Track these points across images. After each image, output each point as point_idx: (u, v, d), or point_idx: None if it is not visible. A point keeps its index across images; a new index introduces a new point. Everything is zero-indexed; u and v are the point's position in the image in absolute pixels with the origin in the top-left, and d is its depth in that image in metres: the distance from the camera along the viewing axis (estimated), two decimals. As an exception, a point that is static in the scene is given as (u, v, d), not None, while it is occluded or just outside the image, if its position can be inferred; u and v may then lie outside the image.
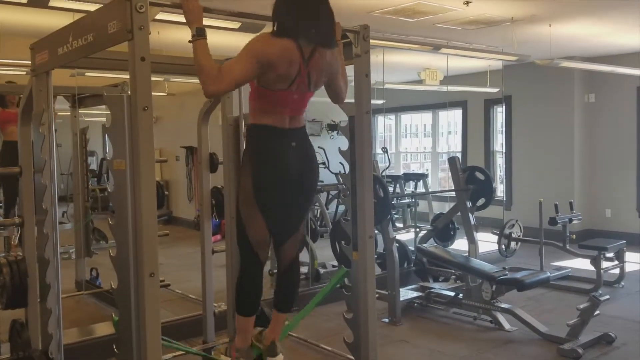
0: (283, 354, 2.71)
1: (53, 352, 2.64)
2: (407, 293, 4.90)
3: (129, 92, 1.95)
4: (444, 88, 7.80)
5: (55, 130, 5.95)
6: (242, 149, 3.49)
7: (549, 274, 4.68)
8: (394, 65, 7.47)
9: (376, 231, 4.80)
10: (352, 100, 2.71)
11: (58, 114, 6.17)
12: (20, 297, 2.75)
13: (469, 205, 5.57)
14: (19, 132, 2.90)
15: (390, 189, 8.13)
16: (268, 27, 4.48)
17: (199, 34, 2.20)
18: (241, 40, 5.82)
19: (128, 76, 1.94)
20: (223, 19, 3.86)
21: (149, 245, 1.94)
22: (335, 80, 2.58)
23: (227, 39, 5.19)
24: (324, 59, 2.44)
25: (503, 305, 4.37)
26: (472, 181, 5.59)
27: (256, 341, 2.78)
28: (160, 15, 3.90)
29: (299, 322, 3.31)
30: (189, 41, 2.22)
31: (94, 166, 6.80)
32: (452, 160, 5.74)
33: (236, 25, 4.07)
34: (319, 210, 7.08)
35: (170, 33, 5.22)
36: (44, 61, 2.57)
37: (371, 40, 2.72)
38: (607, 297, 4.02)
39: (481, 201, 5.61)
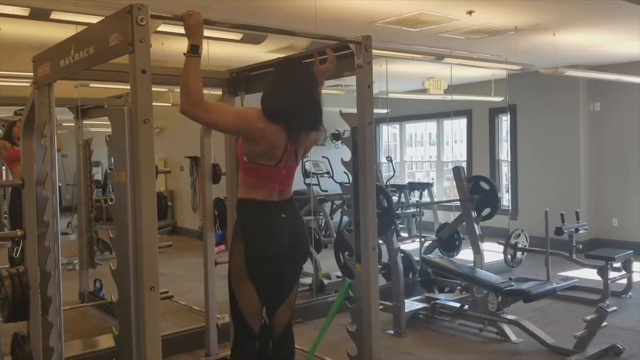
0: None
1: (54, 365, 2.62)
2: (412, 304, 4.86)
3: (133, 103, 1.94)
4: (448, 97, 7.78)
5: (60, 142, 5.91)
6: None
7: (555, 285, 4.63)
8: (397, 74, 7.46)
9: (380, 241, 4.78)
10: (355, 111, 2.70)
11: (63, 124, 6.19)
12: (21, 309, 2.73)
13: (474, 215, 5.53)
14: (22, 144, 2.89)
15: (395, 198, 8.11)
16: (270, 39, 4.52)
17: (193, 51, 2.20)
18: (243, 51, 5.83)
19: (130, 88, 1.94)
20: (225, 31, 3.87)
21: (149, 259, 1.92)
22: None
23: (229, 50, 5.21)
24: (309, 136, 2.52)
25: (509, 317, 4.33)
26: (477, 191, 5.56)
27: None
28: (163, 27, 3.91)
29: (317, 347, 3.25)
30: (184, 54, 2.23)
31: (99, 177, 6.81)
32: (456, 170, 5.71)
33: (238, 36, 4.08)
34: (323, 220, 7.05)
35: (174, 44, 5.23)
36: (46, 73, 2.57)
37: (374, 51, 2.70)
38: (615, 308, 3.97)
39: (486, 211, 5.57)
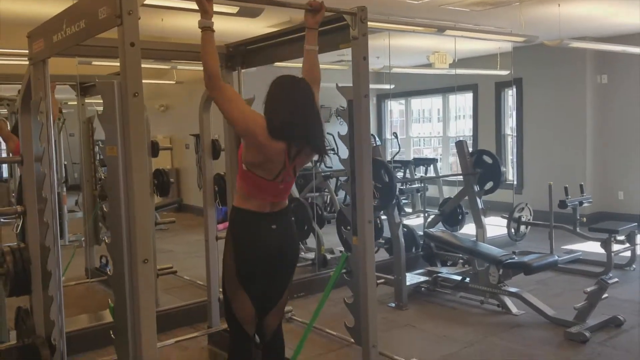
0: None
1: (55, 338, 2.66)
2: (414, 278, 4.88)
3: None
4: (453, 71, 7.71)
5: (65, 120, 5.94)
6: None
7: (557, 257, 4.64)
8: (401, 49, 7.39)
9: (384, 217, 4.79)
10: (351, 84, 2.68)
11: (68, 103, 6.20)
12: (23, 284, 2.77)
13: (476, 189, 5.52)
14: (20, 120, 2.90)
15: (400, 174, 8.10)
16: (267, 13, 4.48)
17: (204, 26, 2.23)
18: (239, 26, 5.75)
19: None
20: (220, 4, 3.83)
21: (142, 232, 1.93)
22: None
23: (226, 25, 5.16)
24: (309, 155, 2.51)
25: (510, 289, 4.35)
26: (479, 165, 5.54)
27: None
28: (162, 1, 3.87)
29: (315, 321, 3.31)
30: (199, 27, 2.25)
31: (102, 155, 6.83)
32: (459, 144, 5.68)
33: (234, 9, 4.04)
34: (328, 197, 7.07)
35: (174, 19, 5.20)
36: (40, 49, 2.56)
37: (375, 23, 2.67)
38: (616, 280, 3.97)
39: (489, 185, 5.55)
